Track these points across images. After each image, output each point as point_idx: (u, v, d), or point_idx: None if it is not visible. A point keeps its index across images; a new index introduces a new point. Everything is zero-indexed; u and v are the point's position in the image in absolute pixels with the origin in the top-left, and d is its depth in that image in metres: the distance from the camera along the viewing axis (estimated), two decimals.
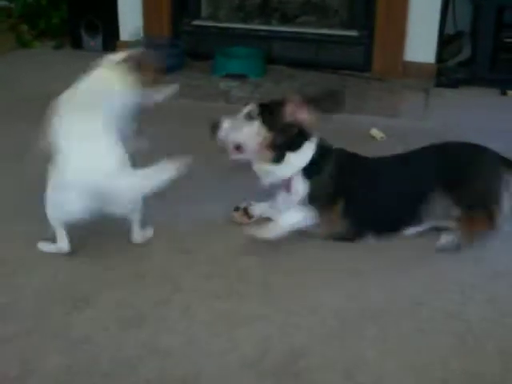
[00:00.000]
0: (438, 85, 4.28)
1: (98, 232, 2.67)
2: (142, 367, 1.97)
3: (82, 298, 2.28)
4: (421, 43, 4.38)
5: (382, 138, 3.50)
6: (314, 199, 2.55)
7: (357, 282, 2.39)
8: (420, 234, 2.62)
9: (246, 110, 2.57)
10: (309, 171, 2.55)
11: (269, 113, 2.52)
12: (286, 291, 2.34)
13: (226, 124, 2.54)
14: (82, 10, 4.90)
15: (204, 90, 4.22)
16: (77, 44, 4.98)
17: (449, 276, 2.43)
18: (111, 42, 4.88)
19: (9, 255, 2.52)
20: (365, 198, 2.57)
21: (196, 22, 4.78)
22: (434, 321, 2.18)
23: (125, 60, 2.70)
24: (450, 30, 4.64)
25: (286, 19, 4.82)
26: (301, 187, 2.56)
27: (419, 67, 4.40)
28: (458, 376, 1.96)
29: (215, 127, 2.54)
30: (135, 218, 2.52)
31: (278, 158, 2.53)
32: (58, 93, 4.05)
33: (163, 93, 2.81)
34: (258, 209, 2.75)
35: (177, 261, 2.49)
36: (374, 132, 3.53)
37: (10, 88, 4.23)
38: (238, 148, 2.55)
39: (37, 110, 3.84)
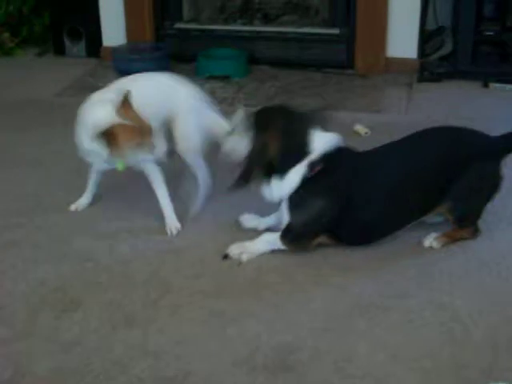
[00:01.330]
0: (421, 80, 4.30)
1: (85, 234, 2.68)
2: (133, 368, 1.98)
3: (72, 300, 2.28)
4: (403, 39, 4.40)
5: (366, 133, 3.52)
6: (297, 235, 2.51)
7: (345, 275, 2.41)
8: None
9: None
10: (293, 203, 2.48)
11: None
12: (275, 287, 2.35)
13: (230, 142, 2.50)
14: (64, 16, 4.89)
15: None
16: (60, 51, 4.96)
17: (437, 267, 2.44)
18: (94, 47, 4.88)
19: None
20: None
21: (178, 25, 4.78)
22: (422, 312, 2.20)
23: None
24: (431, 25, 4.66)
25: (267, 19, 4.84)
26: (286, 217, 2.51)
27: (402, 63, 4.42)
28: (447, 366, 1.98)
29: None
30: None
31: (267, 176, 2.45)
32: (40, 100, 4.09)
33: None
34: (250, 221, 2.70)
35: (166, 261, 2.50)
36: (358, 128, 3.55)
37: None
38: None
39: (19, 117, 3.87)
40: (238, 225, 2.70)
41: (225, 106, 3.89)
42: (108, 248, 2.58)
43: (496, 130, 2.65)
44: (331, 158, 2.44)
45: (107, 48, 4.76)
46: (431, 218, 2.61)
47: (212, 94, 4.14)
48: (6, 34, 5.05)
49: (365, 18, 4.34)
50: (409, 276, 2.39)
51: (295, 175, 2.42)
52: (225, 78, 4.38)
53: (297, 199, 2.46)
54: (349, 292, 2.31)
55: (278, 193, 2.47)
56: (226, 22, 4.87)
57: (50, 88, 4.34)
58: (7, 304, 2.27)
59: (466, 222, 2.56)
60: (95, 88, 4.28)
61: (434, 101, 4.00)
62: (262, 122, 2.44)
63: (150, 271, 2.45)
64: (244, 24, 4.80)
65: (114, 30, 4.80)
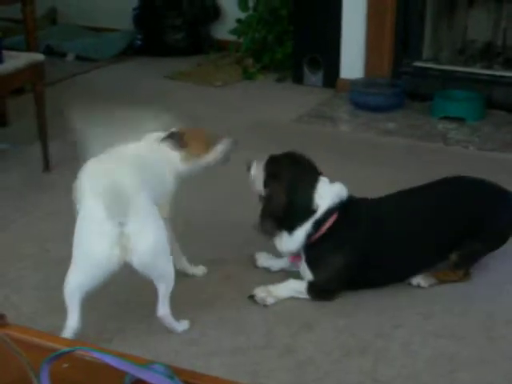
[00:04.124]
0: None
1: None
2: None
3: (305, 323, 2.38)
4: None
5: None
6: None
7: None
8: None
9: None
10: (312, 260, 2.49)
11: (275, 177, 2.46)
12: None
13: (253, 169, 2.53)
14: (305, 46, 5.10)
15: (422, 130, 4.24)
16: (298, 79, 5.17)
17: None
18: (331, 78, 5.03)
19: None
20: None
21: (417, 64, 4.81)
22: None
23: None
24: None
25: (509, 64, 4.74)
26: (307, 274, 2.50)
27: None
28: None
29: (248, 167, 2.54)
30: None
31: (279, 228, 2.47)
32: (277, 123, 4.28)
33: None
34: (265, 261, 2.68)
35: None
36: None
37: (234, 115, 4.47)
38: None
39: (255, 137, 4.05)
40: (252, 261, 2.69)
41: (458, 148, 3.90)
42: None
43: None
44: (343, 210, 2.45)
45: (344, 80, 4.90)
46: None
47: (445, 135, 4.16)
48: (250, 60, 5.37)
49: None
50: None
51: (300, 233, 2.44)
52: (459, 120, 4.34)
53: (316, 256, 2.48)
54: None
55: (286, 247, 2.51)
56: (465, 63, 4.82)
57: (287, 113, 4.53)
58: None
59: (462, 267, 2.58)
60: (330, 118, 4.51)
61: None
62: (272, 172, 2.47)
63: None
64: (484, 67, 4.74)
65: (352, 63, 4.92)
